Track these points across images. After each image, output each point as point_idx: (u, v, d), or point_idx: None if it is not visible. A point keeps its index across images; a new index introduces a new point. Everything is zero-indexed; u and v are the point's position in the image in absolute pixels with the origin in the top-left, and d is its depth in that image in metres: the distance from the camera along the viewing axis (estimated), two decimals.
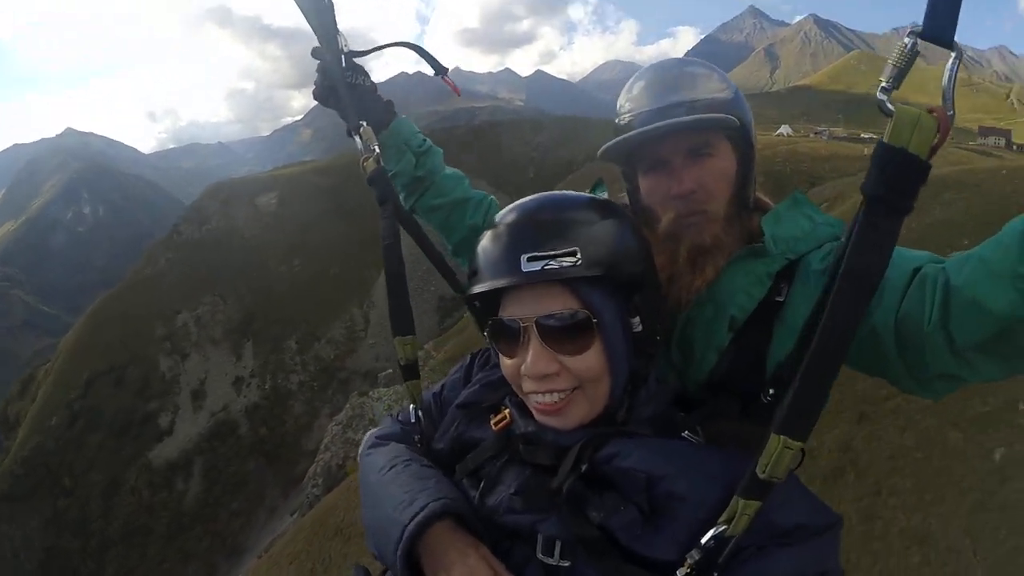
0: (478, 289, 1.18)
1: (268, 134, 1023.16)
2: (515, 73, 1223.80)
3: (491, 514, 1.18)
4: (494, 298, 1.23)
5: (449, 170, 1.86)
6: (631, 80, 1.55)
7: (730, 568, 1.00)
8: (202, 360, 75.59)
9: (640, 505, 1.05)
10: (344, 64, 1.64)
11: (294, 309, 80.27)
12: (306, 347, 76.48)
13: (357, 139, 1.59)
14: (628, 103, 1.50)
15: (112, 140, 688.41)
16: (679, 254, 1.43)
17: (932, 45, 0.87)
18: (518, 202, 1.24)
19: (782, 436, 0.95)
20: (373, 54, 1.71)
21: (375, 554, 1.25)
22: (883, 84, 0.92)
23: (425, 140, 1.80)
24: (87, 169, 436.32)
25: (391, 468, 1.31)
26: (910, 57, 0.91)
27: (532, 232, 1.15)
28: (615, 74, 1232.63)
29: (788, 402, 0.96)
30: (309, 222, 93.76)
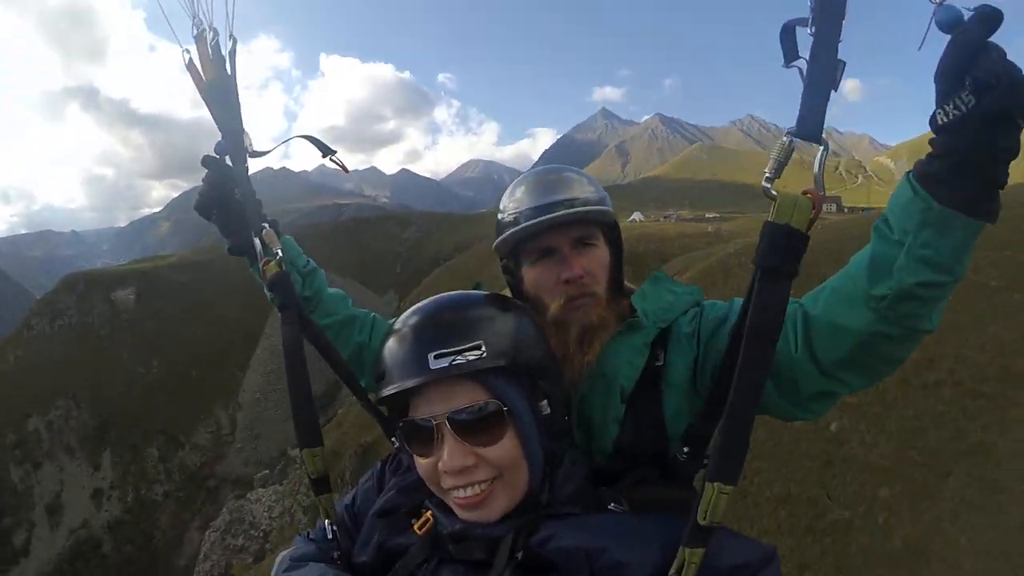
0: (389, 391, 1.20)
1: (124, 224, 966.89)
2: (380, 171, 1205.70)
3: None
4: (403, 400, 1.25)
5: (332, 290, 1.91)
6: (512, 185, 1.71)
7: None
8: (56, 470, 70.69)
9: None
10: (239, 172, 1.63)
11: (154, 414, 76.55)
12: (169, 455, 73.05)
13: (257, 242, 1.56)
14: (512, 203, 1.65)
15: None
16: (570, 336, 1.55)
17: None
18: (417, 305, 1.29)
19: (716, 483, 1.01)
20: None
21: None
22: (767, 175, 1.05)
23: (309, 260, 1.86)
24: None
25: None
26: (788, 152, 1.05)
27: (436, 331, 1.19)
28: (477, 172, 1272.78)
29: (716, 452, 1.04)
30: (168, 320, 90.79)
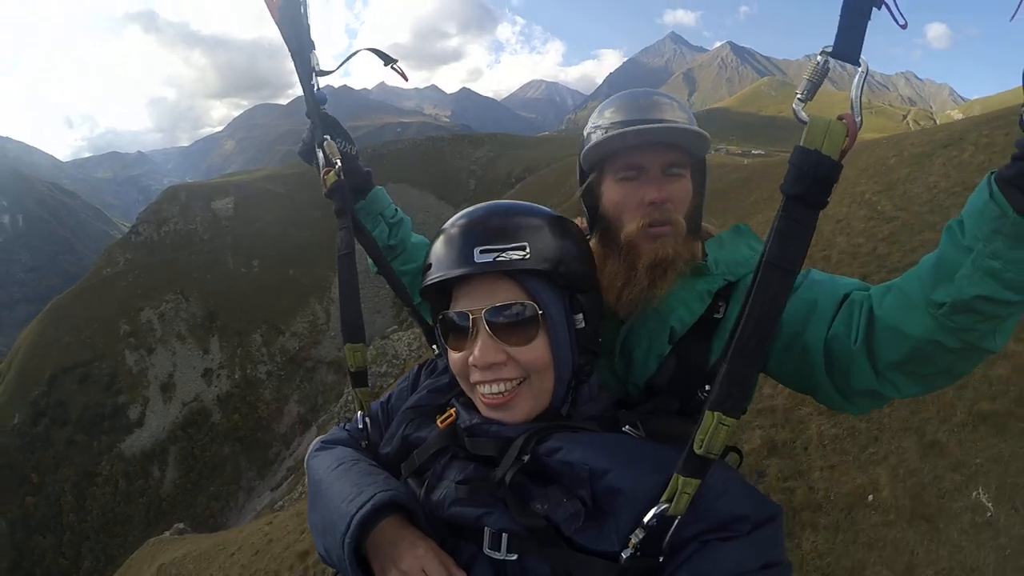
0: (433, 279, 1.21)
1: (187, 144, 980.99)
2: (441, 90, 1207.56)
3: (436, 509, 1.16)
4: (446, 294, 1.26)
5: (416, 237, 1.92)
6: (601, 105, 1.58)
7: (673, 562, 1.01)
8: (169, 354, 76.92)
9: (583, 499, 1.05)
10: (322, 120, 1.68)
11: (257, 306, 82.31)
12: (271, 340, 78.78)
13: (320, 152, 1.62)
14: (603, 120, 1.52)
15: (29, 146, 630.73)
16: (639, 263, 1.44)
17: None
18: (468, 209, 1.28)
19: (716, 412, 0.98)
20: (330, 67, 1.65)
21: (323, 557, 1.22)
22: (798, 96, 0.99)
23: (397, 211, 1.90)
24: (3, 175, 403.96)
25: (339, 466, 1.30)
26: (822, 73, 0.98)
27: (484, 230, 1.19)
28: (539, 93, 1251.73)
29: (720, 380, 1.00)
30: (265, 226, 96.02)
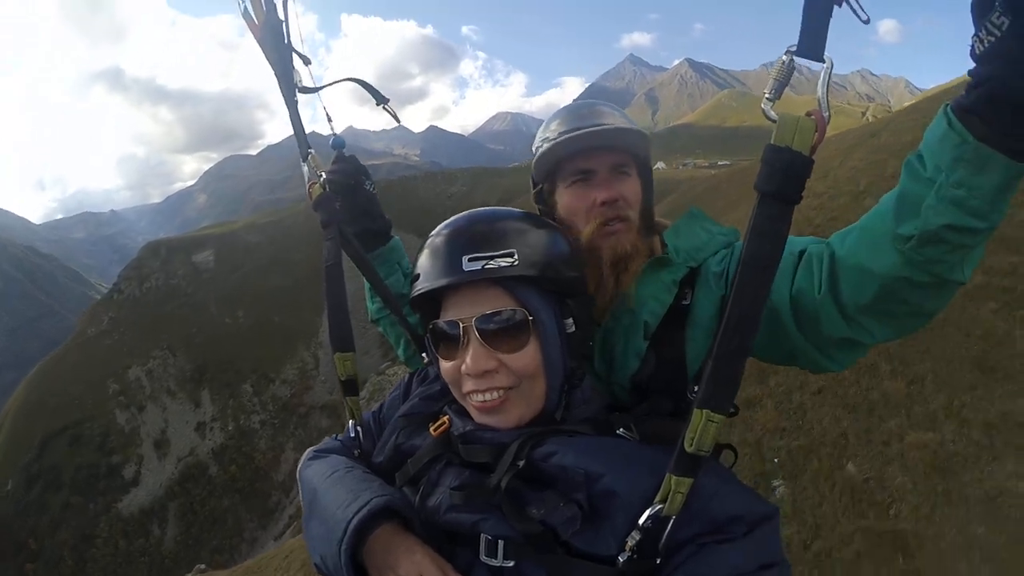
0: (421, 289, 1.21)
1: (159, 200, 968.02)
2: (408, 130, 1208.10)
3: (431, 515, 1.15)
4: (435, 304, 1.26)
5: None
6: (547, 119, 1.65)
7: (670, 565, 1.00)
8: (160, 411, 75.96)
9: (580, 503, 1.04)
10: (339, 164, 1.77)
11: (245, 356, 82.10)
12: (262, 389, 78.45)
13: (305, 167, 1.62)
14: (550, 132, 1.58)
15: (1, 210, 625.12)
16: (603, 263, 1.48)
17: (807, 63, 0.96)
18: (453, 218, 1.27)
19: (704, 410, 0.98)
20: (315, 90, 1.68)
21: (318, 567, 1.20)
22: (767, 96, 1.00)
23: (411, 265, 1.75)
24: None
25: (333, 474, 1.28)
26: (788, 72, 0.98)
27: (471, 237, 1.18)
28: (506, 124, 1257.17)
29: (706, 378, 0.99)
30: (247, 276, 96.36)
